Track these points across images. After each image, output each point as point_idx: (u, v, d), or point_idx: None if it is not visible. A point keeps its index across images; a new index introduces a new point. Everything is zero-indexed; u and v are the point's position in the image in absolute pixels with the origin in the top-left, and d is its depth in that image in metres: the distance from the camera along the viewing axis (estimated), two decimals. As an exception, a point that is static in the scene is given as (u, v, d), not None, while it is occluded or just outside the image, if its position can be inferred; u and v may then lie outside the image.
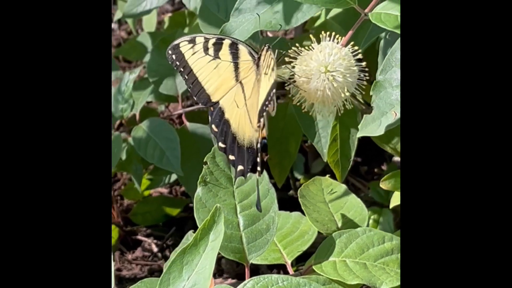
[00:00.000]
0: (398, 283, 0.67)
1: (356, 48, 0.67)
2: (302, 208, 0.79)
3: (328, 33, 0.67)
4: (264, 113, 0.65)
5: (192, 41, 0.71)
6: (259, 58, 0.69)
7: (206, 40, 0.71)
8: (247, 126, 0.68)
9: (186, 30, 1.18)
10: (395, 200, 0.89)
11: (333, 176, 0.87)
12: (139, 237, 1.14)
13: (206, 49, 0.71)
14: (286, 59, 0.68)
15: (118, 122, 1.12)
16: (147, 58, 1.15)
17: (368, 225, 0.86)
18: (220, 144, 0.70)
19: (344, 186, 0.83)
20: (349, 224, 0.79)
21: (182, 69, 0.72)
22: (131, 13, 1.11)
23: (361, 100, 0.73)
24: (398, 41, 0.69)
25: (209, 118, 0.71)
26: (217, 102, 0.71)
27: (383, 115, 0.66)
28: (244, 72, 0.70)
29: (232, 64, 0.70)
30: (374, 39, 0.80)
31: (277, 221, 0.71)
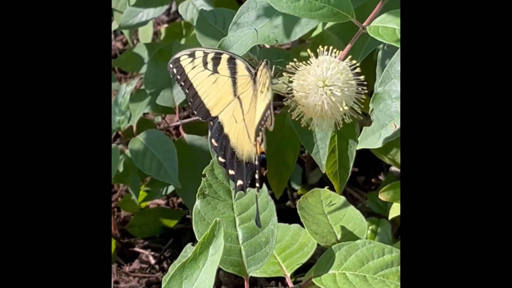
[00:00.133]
0: (398, 295, 0.67)
1: (354, 62, 0.67)
2: (301, 220, 0.79)
3: (325, 47, 0.67)
4: (262, 129, 0.65)
5: (192, 55, 0.71)
6: (255, 73, 0.69)
7: (205, 55, 0.71)
8: (245, 141, 0.68)
9: (182, 41, 1.18)
10: (394, 211, 0.89)
11: (331, 187, 0.86)
12: (137, 249, 1.14)
13: (205, 64, 0.71)
14: (284, 74, 0.68)
15: (114, 133, 1.11)
16: (143, 69, 1.15)
17: (366, 237, 0.86)
18: (220, 159, 0.70)
19: (343, 198, 0.83)
20: (348, 236, 0.79)
21: (183, 83, 0.72)
22: (127, 24, 1.11)
23: (359, 111, 0.73)
24: (397, 53, 0.68)
25: (209, 132, 0.71)
26: (217, 117, 0.70)
27: (383, 127, 0.66)
28: (241, 87, 0.70)
29: (230, 79, 0.70)
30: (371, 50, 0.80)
31: (276, 233, 0.71)
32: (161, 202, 1.21)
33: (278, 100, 0.73)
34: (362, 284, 0.69)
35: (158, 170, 0.97)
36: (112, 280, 1.06)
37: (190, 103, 0.72)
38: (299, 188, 1.15)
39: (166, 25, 1.48)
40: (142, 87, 1.09)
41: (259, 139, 0.65)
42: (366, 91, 0.67)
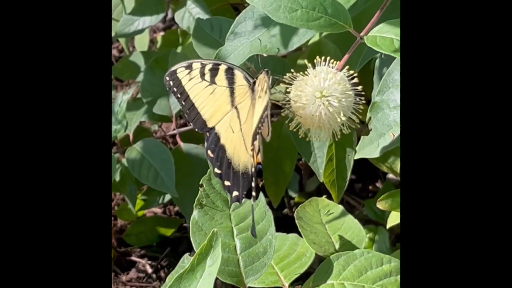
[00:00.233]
0: (397, 306, 0.67)
1: (351, 72, 0.67)
2: (299, 229, 0.78)
3: (323, 57, 0.67)
4: (259, 138, 0.65)
5: (189, 67, 0.71)
6: (254, 82, 0.68)
7: (203, 66, 0.70)
8: (242, 151, 0.67)
9: (179, 49, 1.18)
10: (392, 220, 0.89)
11: (328, 194, 0.86)
12: (133, 258, 1.14)
13: (202, 75, 0.70)
14: (281, 84, 0.68)
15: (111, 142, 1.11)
16: (140, 77, 1.15)
17: (364, 246, 0.86)
18: (216, 170, 0.69)
19: (341, 207, 0.83)
20: (346, 245, 0.78)
21: (179, 95, 0.71)
22: (123, 32, 1.11)
23: (354, 126, 0.72)
24: (395, 62, 0.68)
25: (205, 143, 0.71)
26: (213, 128, 0.70)
27: (381, 137, 0.66)
28: (239, 97, 0.69)
29: (227, 89, 0.69)
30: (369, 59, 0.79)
31: (274, 244, 0.71)
32: (158, 210, 1.21)
33: (275, 108, 0.73)
34: (361, 294, 0.69)
35: (155, 179, 0.97)
36: (109, 289, 1.05)
37: (186, 115, 0.71)
38: (297, 196, 1.15)
39: (162, 33, 1.48)
40: (139, 95, 1.09)
41: (256, 143, 0.65)
42: (364, 102, 0.67)
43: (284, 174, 0.96)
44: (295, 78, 0.67)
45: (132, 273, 1.11)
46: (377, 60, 0.78)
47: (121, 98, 1.01)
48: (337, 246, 0.79)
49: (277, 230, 0.74)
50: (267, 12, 0.64)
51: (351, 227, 0.80)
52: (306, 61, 0.67)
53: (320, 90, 0.66)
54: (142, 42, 1.30)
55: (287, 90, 0.67)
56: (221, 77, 0.70)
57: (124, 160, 1.01)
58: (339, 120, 0.66)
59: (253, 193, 0.66)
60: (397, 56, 0.63)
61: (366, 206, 1.05)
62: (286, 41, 0.70)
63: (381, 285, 0.69)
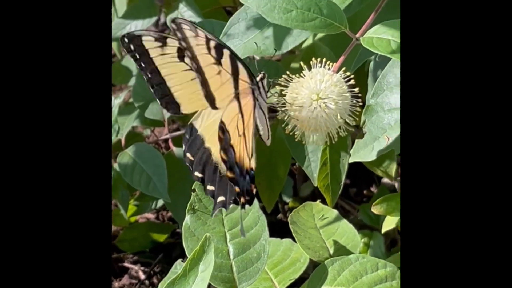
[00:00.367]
0: (393, 311, 0.66)
1: (348, 73, 0.66)
2: (293, 234, 0.78)
3: (318, 59, 0.66)
4: (253, 143, 0.63)
5: (161, 41, 0.66)
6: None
7: (182, 48, 0.66)
8: None
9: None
10: (387, 224, 0.88)
11: (322, 199, 0.85)
12: (126, 264, 1.13)
13: (181, 57, 0.66)
14: (277, 87, 0.67)
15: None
16: (131, 82, 1.14)
17: (359, 251, 0.85)
18: (197, 173, 0.67)
19: (335, 212, 0.82)
20: (341, 250, 0.77)
21: (142, 64, 0.67)
22: (115, 36, 1.10)
23: (351, 128, 0.72)
24: (389, 64, 0.68)
25: (184, 146, 0.69)
26: (196, 130, 0.68)
27: (376, 140, 0.65)
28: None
29: None
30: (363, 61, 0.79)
31: (268, 249, 0.70)
32: (151, 216, 1.20)
33: (271, 112, 0.72)
34: (356, 299, 0.68)
35: (147, 185, 0.96)
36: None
37: (151, 88, 0.68)
38: (291, 201, 1.14)
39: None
40: (131, 100, 1.08)
41: (249, 148, 0.63)
42: (361, 103, 0.66)
43: (278, 178, 0.95)
44: (291, 80, 0.66)
45: (125, 280, 1.10)
46: (371, 63, 0.77)
47: (113, 103, 1.01)
48: (331, 251, 0.78)
49: (271, 235, 0.73)
50: (262, 12, 0.63)
51: (346, 232, 0.80)
52: (301, 63, 0.66)
53: (317, 92, 0.65)
54: (134, 47, 1.29)
55: (283, 92, 0.66)
56: None
57: (116, 165, 1.00)
58: (336, 122, 0.65)
59: (246, 198, 0.64)
60: (394, 58, 0.62)
61: (361, 211, 1.04)
62: (279, 42, 0.69)
63: (376, 290, 0.69)
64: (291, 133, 0.67)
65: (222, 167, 0.66)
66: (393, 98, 0.66)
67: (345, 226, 0.80)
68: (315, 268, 0.72)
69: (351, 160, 0.66)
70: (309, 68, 0.66)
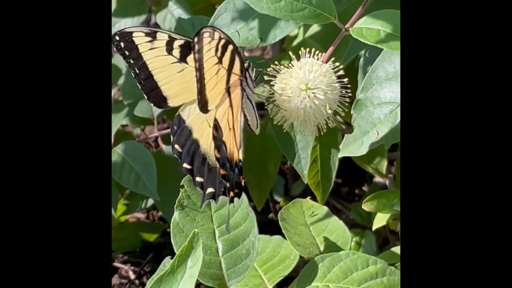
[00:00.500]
0: (383, 308, 0.66)
1: (337, 64, 0.65)
2: (283, 231, 0.77)
3: (307, 49, 0.65)
4: (240, 135, 0.63)
5: (151, 35, 0.66)
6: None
7: (172, 40, 0.66)
8: None
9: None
10: (378, 221, 0.87)
11: (313, 198, 0.85)
12: (116, 264, 1.12)
13: (170, 49, 0.67)
14: (265, 77, 0.66)
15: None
16: (121, 80, 1.13)
17: (350, 248, 0.84)
18: (185, 165, 0.67)
19: (325, 208, 0.82)
20: (331, 247, 0.77)
21: (131, 61, 0.67)
22: (104, 34, 1.09)
23: (341, 120, 0.71)
24: (379, 58, 0.67)
25: (171, 138, 0.68)
26: (184, 122, 0.67)
27: (365, 134, 0.65)
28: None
29: None
30: (353, 56, 0.78)
31: (257, 245, 0.69)
32: (141, 215, 1.19)
33: (260, 109, 0.71)
34: (346, 296, 0.67)
35: (136, 183, 0.95)
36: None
37: (139, 84, 0.68)
38: (282, 200, 1.14)
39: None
40: (120, 98, 1.07)
41: (237, 139, 0.62)
42: (350, 94, 0.65)
43: (268, 176, 0.95)
44: (280, 71, 0.65)
45: (115, 279, 1.09)
46: (362, 59, 0.77)
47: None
48: (321, 248, 0.77)
49: (262, 234, 0.72)
50: (250, 2, 0.62)
51: (336, 229, 0.79)
52: (290, 53, 0.65)
53: (305, 83, 0.64)
54: (124, 45, 1.28)
55: (271, 83, 0.65)
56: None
57: (105, 164, 0.99)
58: (325, 113, 0.64)
59: (235, 191, 0.64)
60: (383, 47, 0.61)
61: (353, 209, 1.04)
62: (266, 33, 0.68)
63: (367, 286, 0.68)
64: (279, 124, 0.66)
65: (212, 159, 0.66)
66: (383, 93, 0.66)
67: (336, 222, 0.80)
68: (305, 265, 0.71)
69: (340, 155, 0.66)
70: (298, 58, 0.65)
